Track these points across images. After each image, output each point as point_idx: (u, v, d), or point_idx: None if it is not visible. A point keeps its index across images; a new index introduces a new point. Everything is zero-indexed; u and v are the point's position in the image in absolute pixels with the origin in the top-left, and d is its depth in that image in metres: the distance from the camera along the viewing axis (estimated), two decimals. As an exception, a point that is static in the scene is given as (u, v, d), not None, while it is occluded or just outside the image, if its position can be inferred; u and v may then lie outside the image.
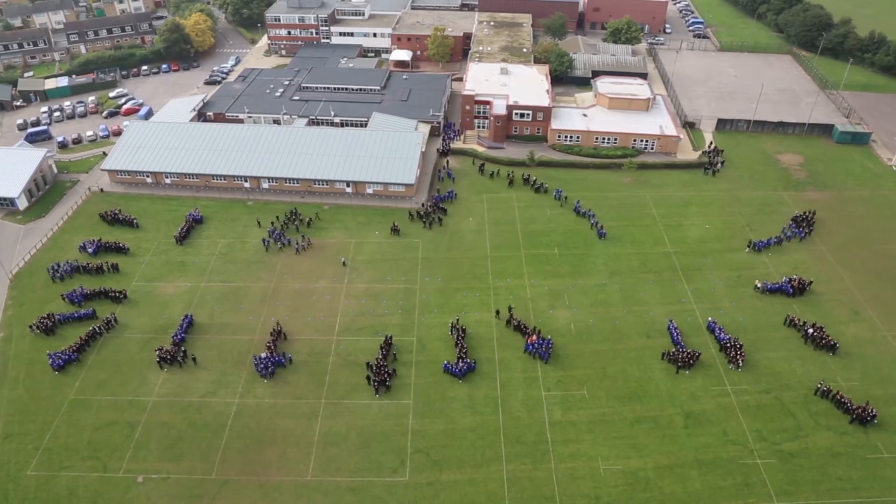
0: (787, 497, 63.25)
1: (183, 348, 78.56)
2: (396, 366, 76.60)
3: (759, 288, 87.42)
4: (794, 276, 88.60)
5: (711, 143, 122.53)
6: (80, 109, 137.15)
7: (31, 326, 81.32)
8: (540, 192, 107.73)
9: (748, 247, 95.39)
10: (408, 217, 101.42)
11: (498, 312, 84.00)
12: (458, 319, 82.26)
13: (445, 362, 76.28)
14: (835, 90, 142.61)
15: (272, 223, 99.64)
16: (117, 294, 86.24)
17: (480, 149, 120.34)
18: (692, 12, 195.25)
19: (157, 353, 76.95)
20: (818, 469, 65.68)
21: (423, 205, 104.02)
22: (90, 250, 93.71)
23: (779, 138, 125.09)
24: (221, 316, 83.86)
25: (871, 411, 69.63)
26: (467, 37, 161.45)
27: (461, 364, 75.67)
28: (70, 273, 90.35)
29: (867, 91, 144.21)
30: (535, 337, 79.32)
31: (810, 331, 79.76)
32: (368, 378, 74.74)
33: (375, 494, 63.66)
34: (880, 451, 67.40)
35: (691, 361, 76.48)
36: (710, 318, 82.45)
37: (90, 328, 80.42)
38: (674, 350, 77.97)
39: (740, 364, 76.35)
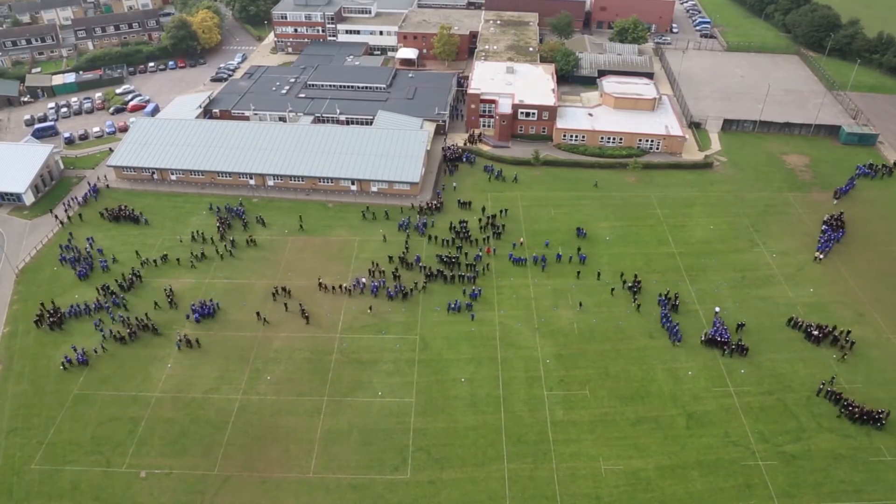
0: (788, 499, 63.16)
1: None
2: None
3: (819, 259, 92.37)
4: (834, 214, 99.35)
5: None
6: (86, 105, 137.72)
7: (36, 322, 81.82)
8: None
9: (835, 197, 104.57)
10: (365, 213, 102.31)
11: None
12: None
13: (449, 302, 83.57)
14: (842, 91, 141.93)
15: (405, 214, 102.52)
16: (134, 275, 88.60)
17: (485, 148, 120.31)
18: (699, 12, 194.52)
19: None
20: (820, 471, 65.56)
21: (429, 203, 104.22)
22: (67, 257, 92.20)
23: (785, 139, 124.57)
24: (225, 312, 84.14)
25: (879, 414, 69.58)
26: (473, 35, 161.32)
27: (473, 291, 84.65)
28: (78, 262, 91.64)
29: (875, 92, 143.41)
30: (490, 248, 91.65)
31: (815, 332, 79.70)
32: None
33: (377, 492, 63.88)
34: (883, 454, 67.24)
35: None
36: (717, 309, 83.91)
37: (128, 330, 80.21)
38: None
39: (732, 356, 77.52)
